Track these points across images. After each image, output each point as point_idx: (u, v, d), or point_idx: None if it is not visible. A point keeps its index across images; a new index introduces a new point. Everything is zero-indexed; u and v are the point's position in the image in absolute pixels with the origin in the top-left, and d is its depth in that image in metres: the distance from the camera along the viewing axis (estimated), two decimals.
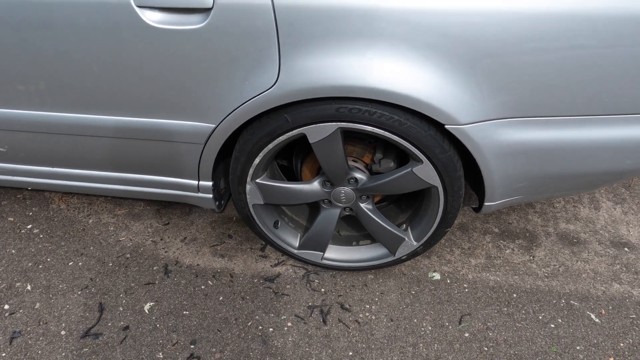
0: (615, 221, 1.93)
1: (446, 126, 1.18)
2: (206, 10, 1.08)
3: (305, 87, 1.14)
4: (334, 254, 1.64)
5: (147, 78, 1.20)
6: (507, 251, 1.80)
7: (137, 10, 1.09)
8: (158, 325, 1.51)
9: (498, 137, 1.21)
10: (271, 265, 1.72)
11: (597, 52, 1.08)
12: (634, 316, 1.56)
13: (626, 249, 1.80)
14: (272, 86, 1.16)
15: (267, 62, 1.13)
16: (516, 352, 1.45)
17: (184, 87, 1.21)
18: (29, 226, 1.86)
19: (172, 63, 1.16)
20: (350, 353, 1.45)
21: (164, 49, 1.14)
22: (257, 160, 1.34)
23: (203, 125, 1.28)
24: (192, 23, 1.10)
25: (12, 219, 1.89)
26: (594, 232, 1.88)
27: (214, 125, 1.27)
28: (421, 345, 1.47)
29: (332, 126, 1.22)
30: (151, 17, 1.10)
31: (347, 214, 1.55)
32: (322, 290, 1.64)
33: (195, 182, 1.48)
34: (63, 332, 1.48)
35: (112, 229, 1.86)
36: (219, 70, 1.16)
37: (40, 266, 1.70)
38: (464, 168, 1.35)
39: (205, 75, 1.17)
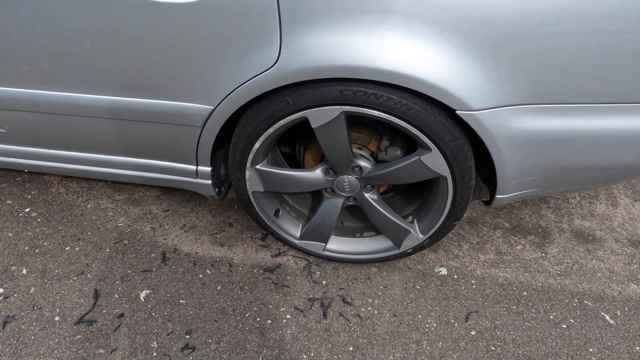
0: (634, 219, 1.84)
1: (457, 112, 1.10)
2: None
3: (308, 67, 1.07)
4: (337, 245, 1.58)
5: (141, 55, 1.14)
6: (518, 247, 1.72)
7: None
8: (153, 314, 1.47)
9: (513, 125, 1.14)
10: (272, 256, 1.66)
11: (621, 37, 1.00)
12: None
13: None
14: (273, 66, 1.09)
15: (268, 39, 1.07)
16: (525, 353, 1.38)
17: (179, 66, 1.15)
18: (27, 209, 1.83)
19: (167, 40, 1.10)
20: (351, 348, 1.39)
21: (158, 25, 1.08)
22: (257, 145, 1.28)
23: (200, 106, 1.22)
24: None
25: (10, 202, 1.86)
26: (611, 230, 1.79)
27: (212, 107, 1.21)
28: (425, 342, 1.41)
29: (335, 110, 1.16)
30: None
31: (351, 204, 1.49)
32: (324, 282, 1.58)
33: (194, 167, 1.43)
34: (57, 318, 1.45)
35: (110, 214, 1.82)
36: (216, 48, 1.09)
37: (37, 250, 1.66)
38: (474, 158, 1.28)
39: (201, 53, 1.11)
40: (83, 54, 1.17)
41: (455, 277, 1.61)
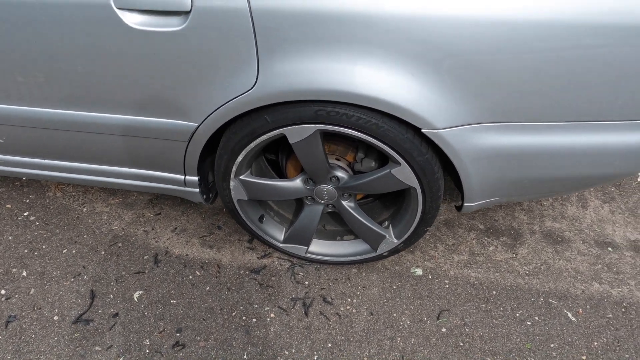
0: (602, 220, 1.94)
1: (423, 130, 1.19)
2: (185, 13, 1.10)
3: (284, 90, 1.16)
4: (318, 248, 1.68)
5: (130, 78, 1.23)
6: (491, 248, 1.82)
7: (118, 12, 1.11)
8: (146, 313, 1.57)
9: (475, 142, 1.23)
10: (258, 257, 1.77)
11: (574, 58, 1.08)
12: (610, 316, 1.59)
13: (610, 248, 1.82)
14: (251, 88, 1.18)
15: (246, 64, 1.15)
16: (491, 348, 1.50)
17: (166, 87, 1.23)
18: (25, 213, 1.92)
19: (154, 64, 1.18)
20: (330, 345, 1.50)
21: (145, 50, 1.16)
22: (239, 158, 1.37)
23: (186, 124, 1.30)
24: (171, 25, 1.11)
25: (9, 206, 1.95)
26: (579, 231, 1.89)
27: (197, 124, 1.30)
28: (398, 339, 1.52)
29: (311, 128, 1.24)
30: (131, 19, 1.12)
31: (330, 210, 1.58)
32: (306, 283, 1.68)
33: (182, 177, 1.52)
34: (56, 318, 1.55)
35: (105, 217, 1.91)
36: (199, 71, 1.18)
37: (36, 253, 1.76)
38: (446, 165, 1.37)
39: (186, 77, 1.19)
40: (76, 76, 1.25)
41: (430, 277, 1.71)
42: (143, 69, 1.20)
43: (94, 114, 1.35)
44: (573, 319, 1.58)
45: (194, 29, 1.10)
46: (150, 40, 1.14)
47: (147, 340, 1.50)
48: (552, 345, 1.51)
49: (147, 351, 1.47)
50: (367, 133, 1.22)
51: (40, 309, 1.58)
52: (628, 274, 1.72)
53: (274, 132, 1.27)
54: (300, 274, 1.71)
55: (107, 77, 1.24)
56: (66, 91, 1.31)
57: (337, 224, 1.74)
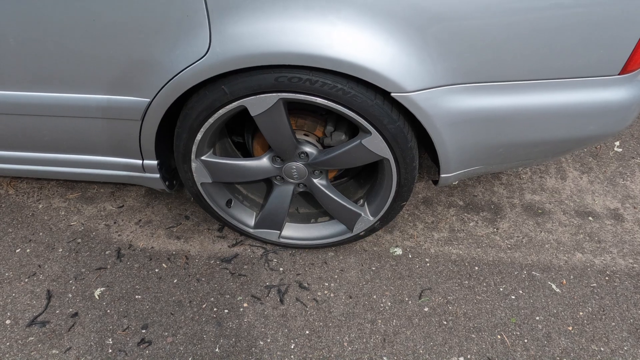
0: (581, 190, 1.91)
1: (392, 94, 1.12)
2: None
3: (240, 55, 1.06)
4: (292, 232, 1.59)
5: (68, 49, 1.11)
6: (471, 224, 1.77)
7: None
8: (108, 311, 1.46)
9: (449, 105, 1.16)
10: (229, 246, 1.67)
11: (549, 13, 1.02)
12: (594, 285, 1.55)
13: (590, 218, 1.79)
14: (204, 55, 1.08)
15: (196, 28, 1.05)
16: (475, 325, 1.43)
17: (110, 59, 1.12)
18: None
19: (92, 31, 1.07)
20: (307, 332, 1.42)
21: (80, 15, 1.04)
22: (199, 136, 1.27)
23: (137, 99, 1.20)
24: None
25: None
26: (559, 202, 1.85)
27: (149, 100, 1.19)
28: (379, 321, 1.44)
29: (272, 97, 1.15)
30: None
31: (302, 190, 1.50)
32: (281, 269, 1.59)
33: (140, 162, 1.41)
34: (8, 322, 1.42)
35: (63, 213, 1.78)
36: (145, 38, 1.07)
37: None
38: (420, 137, 1.29)
39: (130, 45, 1.09)
40: (11, 51, 1.13)
41: (410, 256, 1.64)
42: (80, 38, 1.08)
43: (31, 93, 1.22)
44: (557, 290, 1.54)
45: None
46: (87, 4, 1.03)
47: (110, 340, 1.38)
48: (537, 318, 1.46)
49: (110, 351, 1.36)
50: (334, 100, 1.14)
51: None
52: (610, 242, 1.69)
53: (233, 104, 1.17)
54: (275, 260, 1.62)
55: (40, 49, 1.12)
56: (1, 69, 1.18)
57: (311, 206, 1.66)
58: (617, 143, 2.13)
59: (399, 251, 1.65)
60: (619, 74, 1.15)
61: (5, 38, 1.10)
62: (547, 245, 1.68)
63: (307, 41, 1.04)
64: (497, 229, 1.75)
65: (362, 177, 1.65)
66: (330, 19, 1.02)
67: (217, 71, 1.10)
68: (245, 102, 1.17)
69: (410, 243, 1.68)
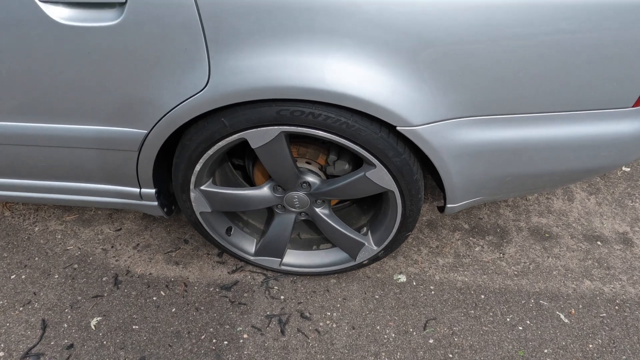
0: (589, 213, 1.86)
1: (398, 128, 1.08)
2: (120, 5, 0.95)
3: (240, 89, 1.03)
4: (293, 259, 1.55)
5: (64, 81, 1.07)
6: (477, 249, 1.72)
7: (41, 5, 0.96)
8: (105, 342, 1.42)
9: (455, 138, 1.12)
10: (228, 272, 1.63)
11: (558, 42, 0.98)
12: (604, 315, 1.51)
13: (599, 242, 1.74)
14: (204, 88, 1.04)
15: (196, 61, 1.01)
16: (482, 359, 1.39)
17: (106, 91, 1.08)
18: None
19: (90, 65, 1.03)
20: None
21: (77, 49, 1.01)
22: (198, 167, 1.23)
23: (134, 131, 1.16)
24: (105, 20, 0.97)
25: None
26: (567, 226, 1.81)
27: (146, 132, 1.15)
28: (383, 354, 1.40)
29: (274, 130, 1.11)
30: (57, 14, 0.97)
31: (303, 218, 1.46)
32: (282, 297, 1.55)
33: (137, 190, 1.37)
34: (1, 354, 1.39)
35: (59, 237, 1.74)
36: (142, 72, 1.03)
37: None
38: (426, 164, 1.26)
39: (128, 78, 1.05)
40: (7, 84, 1.09)
41: (414, 283, 1.60)
42: (77, 72, 1.05)
43: (30, 124, 1.19)
44: (566, 320, 1.49)
45: (131, 22, 0.96)
46: (82, 38, 0.99)
47: None
48: (545, 351, 1.41)
49: None
50: (337, 133, 1.10)
51: None
52: (619, 268, 1.65)
53: (234, 136, 1.14)
54: (275, 287, 1.58)
55: (39, 83, 1.09)
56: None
57: (313, 232, 1.62)
58: None
59: (403, 278, 1.61)
60: (632, 107, 1.11)
61: (0, 70, 1.07)
62: (554, 272, 1.64)
63: (309, 75, 1.00)
64: (503, 254, 1.71)
65: (366, 202, 1.61)
66: (334, 52, 0.98)
67: (216, 105, 1.06)
68: (246, 134, 1.13)
69: (414, 269, 1.64)
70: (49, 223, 1.79)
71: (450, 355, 1.40)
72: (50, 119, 1.17)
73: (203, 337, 1.44)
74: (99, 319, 1.48)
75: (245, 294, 1.56)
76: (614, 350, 1.41)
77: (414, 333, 1.46)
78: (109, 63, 1.03)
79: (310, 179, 1.30)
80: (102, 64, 1.03)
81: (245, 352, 1.40)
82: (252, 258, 1.54)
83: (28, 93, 1.11)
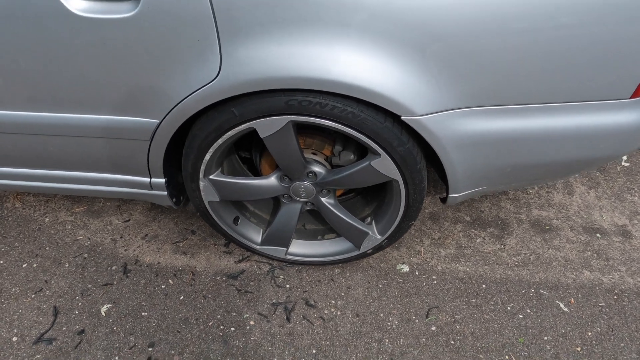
0: (589, 206, 1.90)
1: (402, 118, 1.11)
2: None
3: (250, 79, 1.06)
4: (299, 248, 1.59)
5: (80, 72, 1.11)
6: (478, 240, 1.76)
7: None
8: (115, 328, 1.46)
9: (458, 128, 1.15)
10: (235, 262, 1.66)
11: (559, 36, 1.01)
12: (603, 304, 1.54)
13: (598, 234, 1.78)
14: (215, 78, 1.07)
15: (207, 52, 1.05)
16: (483, 345, 1.43)
17: (120, 81, 1.12)
18: None
19: (105, 55, 1.07)
20: (314, 351, 1.41)
21: (93, 40, 1.04)
22: (207, 157, 1.27)
23: (146, 120, 1.19)
24: (121, 12, 1.00)
25: None
26: (567, 218, 1.84)
27: (158, 121, 1.19)
28: (387, 340, 1.44)
29: (282, 119, 1.15)
30: (76, 6, 1.00)
31: (309, 208, 1.49)
32: (287, 286, 1.59)
33: (147, 179, 1.40)
34: (15, 339, 1.42)
35: (69, 227, 1.78)
36: (156, 62, 1.07)
37: None
38: (429, 157, 1.29)
39: (140, 69, 1.08)
40: (20, 72, 1.13)
41: (417, 273, 1.63)
42: (93, 62, 1.08)
43: (45, 114, 1.22)
44: (565, 309, 1.53)
45: (146, 14, 1.00)
46: (99, 29, 1.03)
47: (117, 358, 1.38)
48: (545, 338, 1.45)
49: None
50: (343, 123, 1.13)
51: None
52: (618, 260, 1.68)
53: (243, 126, 1.17)
54: (281, 277, 1.62)
55: (54, 73, 1.12)
56: (12, 90, 1.19)
57: (318, 223, 1.65)
58: (625, 157, 2.12)
59: (405, 268, 1.65)
60: (630, 98, 1.14)
61: (17, 60, 1.10)
62: (554, 263, 1.68)
63: (317, 65, 1.03)
64: (504, 245, 1.74)
65: (370, 193, 1.64)
66: (342, 43, 1.01)
67: (226, 94, 1.09)
68: (255, 124, 1.16)
69: (417, 260, 1.68)
70: (59, 214, 1.83)
71: (452, 342, 1.44)
72: (64, 108, 1.20)
73: (211, 323, 1.47)
74: (109, 305, 1.52)
75: (252, 283, 1.60)
76: (612, 337, 1.45)
77: (417, 321, 1.49)
78: (124, 54, 1.07)
79: (316, 168, 1.34)
80: (117, 56, 1.07)
81: (252, 338, 1.44)
82: (258, 247, 1.58)
83: (44, 83, 1.15)
